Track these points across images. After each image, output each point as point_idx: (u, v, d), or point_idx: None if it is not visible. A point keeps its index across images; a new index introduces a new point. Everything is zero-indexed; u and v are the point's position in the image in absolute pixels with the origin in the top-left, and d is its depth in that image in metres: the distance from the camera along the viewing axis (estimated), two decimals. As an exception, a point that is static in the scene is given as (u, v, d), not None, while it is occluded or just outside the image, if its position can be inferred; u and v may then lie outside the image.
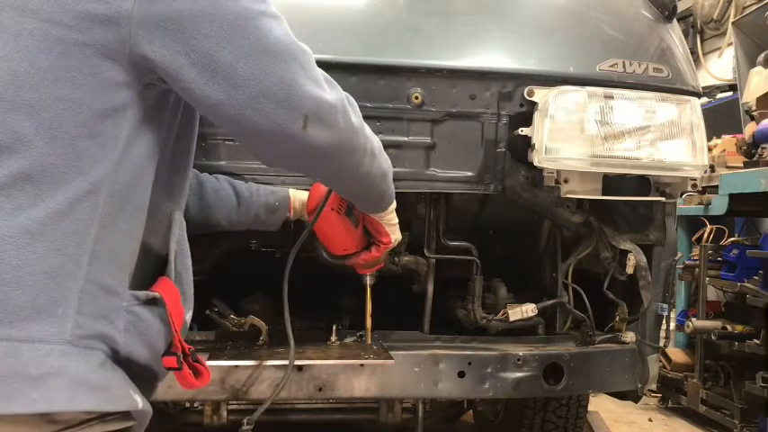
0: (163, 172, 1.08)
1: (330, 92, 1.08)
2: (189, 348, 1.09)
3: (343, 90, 1.14)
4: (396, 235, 1.65)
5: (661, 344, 2.03)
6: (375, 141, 1.28)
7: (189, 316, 1.15)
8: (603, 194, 1.84)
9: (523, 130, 1.79)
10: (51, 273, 0.90)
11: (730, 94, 5.18)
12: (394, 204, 1.56)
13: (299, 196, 1.76)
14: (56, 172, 0.91)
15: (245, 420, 1.50)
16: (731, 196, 3.58)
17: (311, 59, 1.06)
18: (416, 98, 1.76)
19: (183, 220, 1.17)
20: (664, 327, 2.03)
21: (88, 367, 0.91)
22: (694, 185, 1.90)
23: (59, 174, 0.91)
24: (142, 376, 1.03)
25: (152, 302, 1.04)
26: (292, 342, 1.59)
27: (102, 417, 0.93)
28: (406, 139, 1.79)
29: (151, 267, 1.10)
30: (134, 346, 0.99)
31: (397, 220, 1.63)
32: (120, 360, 0.98)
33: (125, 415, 0.97)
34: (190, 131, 1.15)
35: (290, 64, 1.01)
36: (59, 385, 0.88)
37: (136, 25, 0.94)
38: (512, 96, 1.80)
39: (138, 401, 0.98)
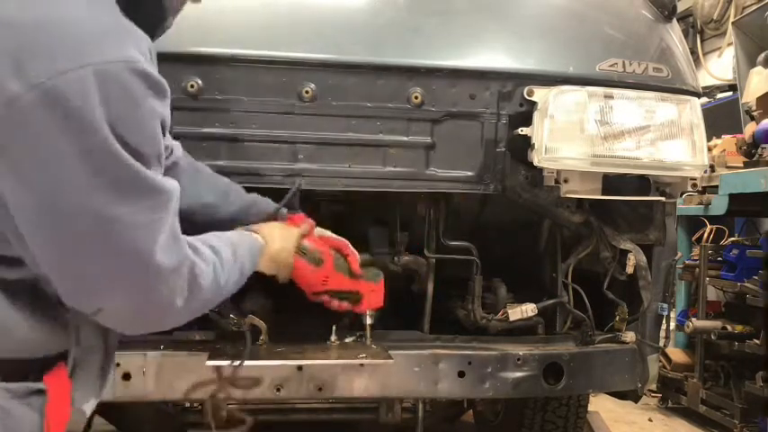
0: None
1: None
2: None
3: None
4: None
5: (661, 344, 2.03)
6: (212, 276, 1.13)
7: (90, 405, 1.06)
8: (603, 194, 1.84)
9: (523, 130, 1.78)
10: None
11: (730, 94, 5.18)
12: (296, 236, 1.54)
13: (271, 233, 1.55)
14: None
15: None
16: (731, 196, 3.58)
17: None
18: (416, 98, 1.76)
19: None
20: (664, 327, 2.03)
21: None
22: (694, 185, 1.90)
23: None
24: None
25: (36, 393, 0.95)
26: (249, 341, 1.61)
27: None
28: (406, 138, 1.79)
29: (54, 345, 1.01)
30: None
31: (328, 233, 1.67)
32: None
33: None
34: None
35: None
36: None
37: None
38: (511, 96, 1.80)
39: None
